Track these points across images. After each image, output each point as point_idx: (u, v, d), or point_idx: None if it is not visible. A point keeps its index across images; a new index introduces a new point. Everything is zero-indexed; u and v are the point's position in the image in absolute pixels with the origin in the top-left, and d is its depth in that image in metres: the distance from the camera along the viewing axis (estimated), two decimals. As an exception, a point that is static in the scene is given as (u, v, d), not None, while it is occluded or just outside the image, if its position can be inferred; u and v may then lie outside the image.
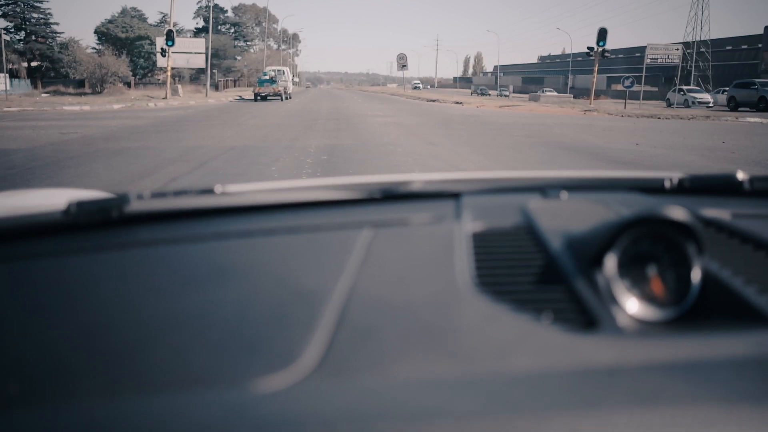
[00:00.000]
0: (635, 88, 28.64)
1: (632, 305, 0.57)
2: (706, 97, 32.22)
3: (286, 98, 33.91)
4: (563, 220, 0.82)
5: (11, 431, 0.41)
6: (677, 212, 0.58)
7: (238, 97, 37.39)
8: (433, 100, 37.02)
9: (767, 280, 0.62)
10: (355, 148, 10.19)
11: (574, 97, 47.95)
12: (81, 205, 0.83)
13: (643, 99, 32.45)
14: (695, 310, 0.58)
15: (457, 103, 33.40)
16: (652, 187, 1.07)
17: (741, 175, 1.03)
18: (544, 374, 0.44)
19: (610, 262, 0.59)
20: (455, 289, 0.61)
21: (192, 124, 15.65)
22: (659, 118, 22.53)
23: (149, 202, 0.88)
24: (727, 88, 29.60)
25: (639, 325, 0.55)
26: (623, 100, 31.40)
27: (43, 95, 34.49)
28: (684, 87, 33.92)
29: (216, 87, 48.55)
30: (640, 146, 11.25)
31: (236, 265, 0.71)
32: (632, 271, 0.60)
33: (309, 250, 0.76)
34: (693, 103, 31.61)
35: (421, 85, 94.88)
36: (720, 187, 1.06)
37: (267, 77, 33.62)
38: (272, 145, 10.53)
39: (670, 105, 32.62)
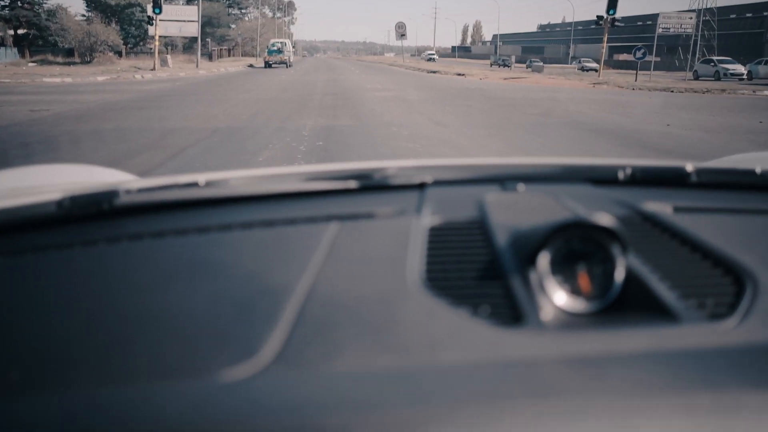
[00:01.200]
0: (647, 58, 27.12)
1: (559, 300, 0.60)
2: (740, 68, 30.27)
3: (289, 66, 39.85)
4: (514, 214, 0.85)
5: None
6: (603, 218, 0.62)
7: (250, 65, 40.97)
8: (434, 72, 35.69)
9: (681, 275, 0.66)
10: (353, 131, 9.08)
11: (581, 69, 46.15)
12: (74, 199, 0.88)
13: (619, 68, 30.50)
14: (617, 305, 0.61)
15: (459, 74, 32.07)
16: (606, 179, 1.10)
17: (689, 167, 1.07)
18: (468, 367, 0.49)
19: (543, 260, 0.63)
20: (404, 285, 0.64)
21: (177, 99, 14.44)
22: (672, 91, 21.46)
23: (137, 196, 0.92)
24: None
25: (562, 319, 0.58)
26: (627, 71, 29.93)
27: (30, 65, 33.14)
28: (714, 58, 31.99)
29: (209, 56, 46.95)
30: (672, 127, 10.15)
31: (213, 260, 0.73)
32: (564, 268, 0.63)
33: (280, 245, 0.78)
34: (725, 75, 29.68)
35: (436, 57, 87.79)
36: (669, 178, 1.09)
37: (275, 48, 39.56)
38: (262, 127, 9.42)
39: (697, 77, 30.95)
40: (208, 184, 0.97)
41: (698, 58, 36.95)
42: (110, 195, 0.88)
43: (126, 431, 0.43)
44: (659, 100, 17.02)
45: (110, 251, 0.80)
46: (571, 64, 51.11)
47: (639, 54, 25.17)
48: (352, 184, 1.03)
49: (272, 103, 13.41)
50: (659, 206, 0.90)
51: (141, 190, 0.92)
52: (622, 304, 0.61)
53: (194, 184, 0.96)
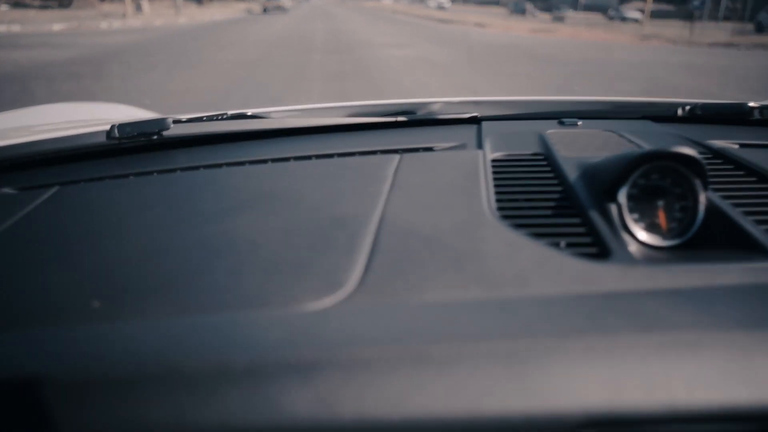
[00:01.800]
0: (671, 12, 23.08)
1: (641, 235, 0.60)
2: None
3: (286, 11, 39.50)
4: (579, 149, 0.85)
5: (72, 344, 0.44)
6: (687, 149, 0.61)
7: (247, 11, 39.01)
8: (447, 21, 31.71)
9: (766, 210, 0.66)
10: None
11: (610, 18, 41.59)
12: (122, 128, 0.87)
13: (656, 18, 26.06)
14: (699, 240, 0.60)
15: (478, 25, 28.16)
16: (665, 115, 1.08)
17: (752, 104, 1.05)
18: (560, 299, 0.48)
19: (623, 194, 0.62)
20: (479, 216, 0.63)
21: (132, 61, 10.85)
22: (738, 47, 17.89)
23: (186, 127, 0.91)
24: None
25: (648, 254, 0.58)
26: (658, 21, 25.71)
27: (3, 8, 29.18)
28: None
29: (199, 0, 42.83)
30: None
31: (275, 190, 0.73)
32: (642, 203, 0.63)
33: (341, 176, 0.77)
34: None
35: (447, 5, 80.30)
36: (731, 115, 1.07)
37: None
38: (236, 116, 6.00)
39: (760, 29, 27.04)
40: (255, 116, 0.97)
41: (726, 8, 32.84)
42: (159, 125, 0.86)
43: (210, 358, 0.41)
44: (753, 61, 13.47)
45: (167, 182, 0.79)
46: (577, 10, 46.26)
47: (697, 2, 21.23)
48: (406, 117, 1.01)
49: (257, 69, 9.88)
50: (726, 143, 0.88)
51: (190, 120, 0.91)
52: (703, 240, 0.60)
53: (242, 115, 0.97)
